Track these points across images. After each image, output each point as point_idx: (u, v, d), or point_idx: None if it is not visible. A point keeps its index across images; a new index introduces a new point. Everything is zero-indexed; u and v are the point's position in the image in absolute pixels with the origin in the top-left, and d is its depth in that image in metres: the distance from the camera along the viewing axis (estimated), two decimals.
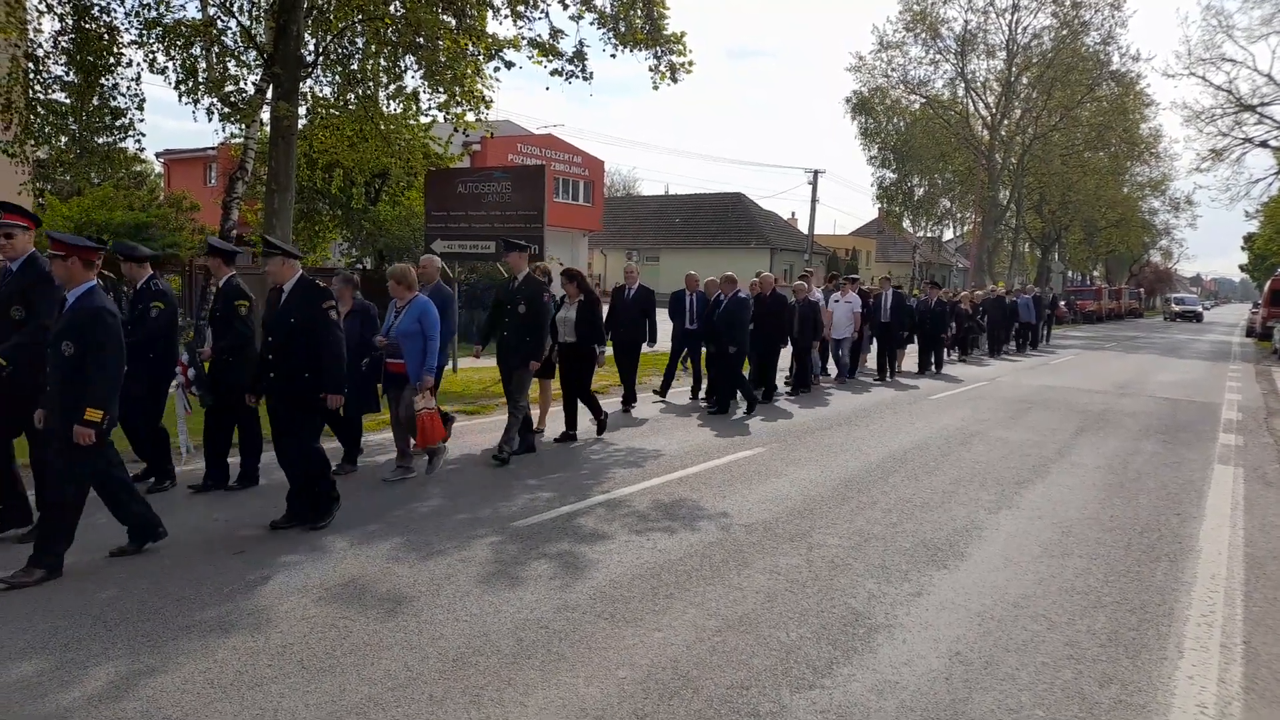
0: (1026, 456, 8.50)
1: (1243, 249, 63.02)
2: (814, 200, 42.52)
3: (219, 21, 11.81)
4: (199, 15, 11.77)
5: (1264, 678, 3.77)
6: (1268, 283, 32.85)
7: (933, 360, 16.69)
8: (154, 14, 11.23)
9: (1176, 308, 57.56)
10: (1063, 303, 45.87)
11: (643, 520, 5.91)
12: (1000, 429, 10.11)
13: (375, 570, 4.77)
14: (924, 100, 42.50)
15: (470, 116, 12.24)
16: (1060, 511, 6.42)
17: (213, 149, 26.16)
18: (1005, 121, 42.69)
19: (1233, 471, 8.12)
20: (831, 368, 14.60)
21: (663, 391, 12.10)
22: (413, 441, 7.06)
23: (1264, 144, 33.09)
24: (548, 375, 8.84)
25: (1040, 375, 16.94)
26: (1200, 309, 60.59)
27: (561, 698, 3.38)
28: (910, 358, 16.79)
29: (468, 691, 3.41)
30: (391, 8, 11.50)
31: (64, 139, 12.44)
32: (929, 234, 56.51)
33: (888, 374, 15.25)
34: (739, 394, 10.88)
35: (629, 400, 10.71)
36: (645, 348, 10.97)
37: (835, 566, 5.01)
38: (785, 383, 12.94)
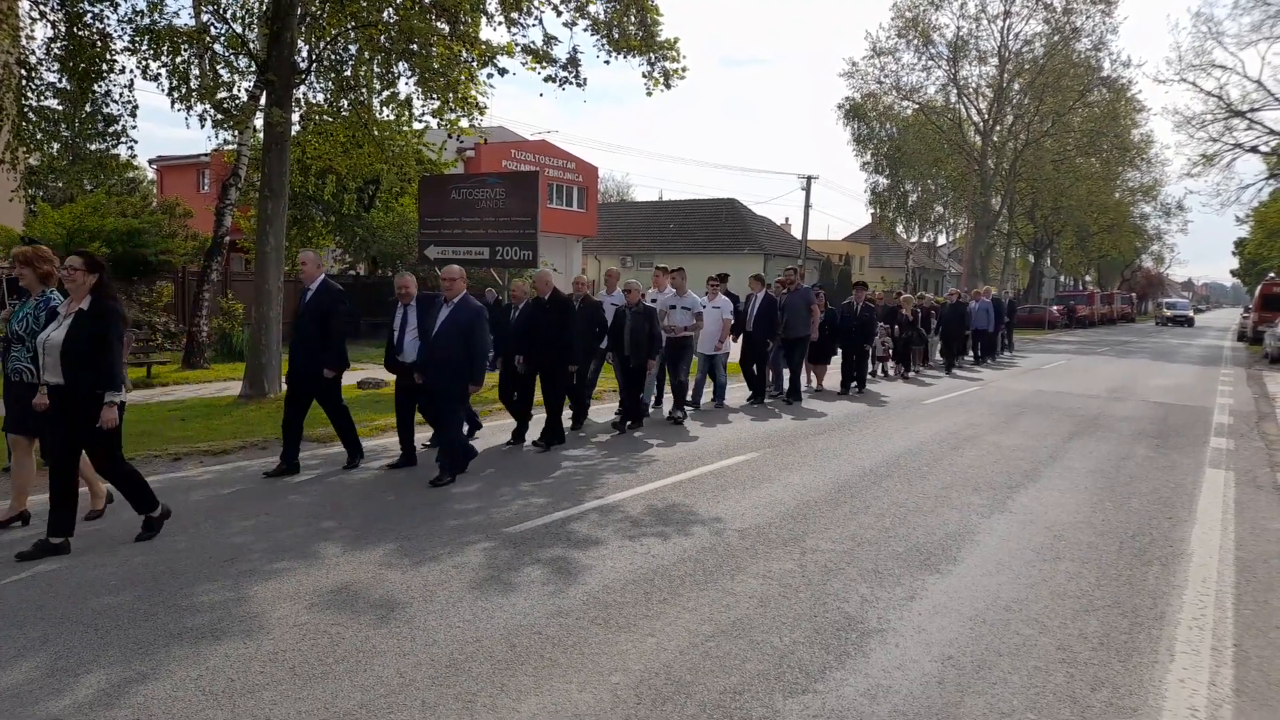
0: (1019, 461, 8.53)
1: (1234, 254, 63.56)
2: (807, 206, 42.49)
3: (212, 28, 11.82)
4: (192, 22, 11.77)
5: (1254, 680, 3.78)
6: (1258, 287, 33.07)
7: (854, 377, 14.11)
8: (147, 21, 11.25)
9: (1168, 312, 58.00)
10: (1055, 307, 46.10)
11: (636, 525, 5.91)
12: (993, 434, 10.14)
13: (367, 576, 4.77)
14: (917, 106, 42.70)
15: (464, 123, 12.27)
16: (1052, 515, 6.44)
17: (206, 155, 26.15)
18: (997, 127, 42.90)
19: (1224, 475, 8.15)
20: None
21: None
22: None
23: (1254, 149, 33.38)
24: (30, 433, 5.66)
25: (1032, 380, 16.98)
26: (1192, 313, 61.00)
27: (555, 703, 3.37)
28: (833, 373, 14.45)
29: (461, 698, 3.40)
30: (385, 14, 11.52)
31: (56, 146, 12.45)
32: (922, 239, 56.77)
33: (760, 395, 12.37)
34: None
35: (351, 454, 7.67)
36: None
37: (828, 571, 5.02)
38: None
